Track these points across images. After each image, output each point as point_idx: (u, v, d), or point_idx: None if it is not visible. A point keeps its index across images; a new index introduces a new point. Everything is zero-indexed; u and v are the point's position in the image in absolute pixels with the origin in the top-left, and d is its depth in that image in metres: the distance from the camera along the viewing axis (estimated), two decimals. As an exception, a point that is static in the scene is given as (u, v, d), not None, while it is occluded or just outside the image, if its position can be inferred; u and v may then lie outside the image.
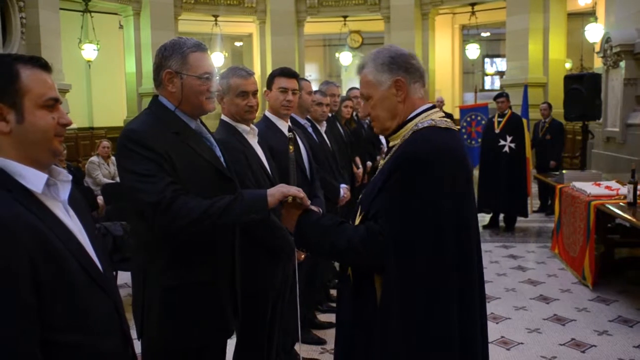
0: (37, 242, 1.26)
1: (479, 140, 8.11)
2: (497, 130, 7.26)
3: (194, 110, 2.09)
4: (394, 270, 1.70)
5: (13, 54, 1.41)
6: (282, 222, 2.03)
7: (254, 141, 2.72)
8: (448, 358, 1.72)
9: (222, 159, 2.17)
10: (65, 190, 1.42)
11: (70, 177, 1.44)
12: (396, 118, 1.87)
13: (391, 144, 1.90)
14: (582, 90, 7.59)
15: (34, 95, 1.35)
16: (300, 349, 3.45)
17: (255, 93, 2.68)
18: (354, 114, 5.98)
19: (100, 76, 14.25)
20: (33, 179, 1.33)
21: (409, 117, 1.86)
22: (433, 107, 1.91)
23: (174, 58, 2.01)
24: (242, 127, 2.68)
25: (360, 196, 1.96)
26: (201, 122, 2.18)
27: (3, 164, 1.32)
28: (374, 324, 1.76)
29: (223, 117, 2.72)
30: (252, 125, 2.72)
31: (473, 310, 1.80)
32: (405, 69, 1.84)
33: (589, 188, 5.26)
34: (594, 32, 11.12)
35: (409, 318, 1.70)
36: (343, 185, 4.06)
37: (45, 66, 1.40)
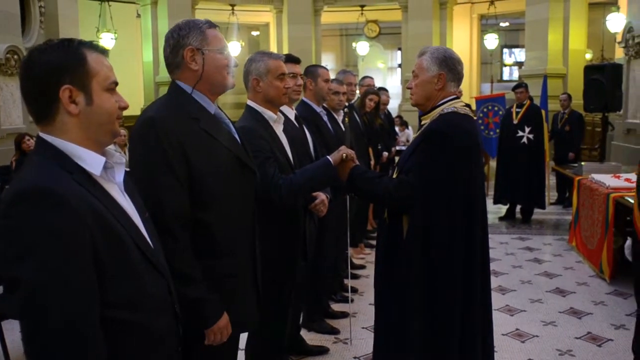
0: (96, 221, 1.30)
1: (497, 130, 8.01)
2: (515, 121, 7.16)
3: (214, 87, 2.00)
4: (419, 210, 2.32)
5: (75, 39, 1.43)
6: (338, 174, 2.50)
7: (279, 129, 2.68)
8: (453, 264, 2.31)
9: (242, 146, 2.10)
10: (120, 172, 1.47)
11: (123, 159, 1.49)
12: (430, 100, 2.46)
13: (423, 122, 2.49)
14: (603, 81, 7.48)
15: (100, 78, 1.39)
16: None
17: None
18: (386, 112, 5.78)
19: (117, 65, 13.60)
20: (92, 162, 1.37)
21: (439, 103, 2.45)
22: (457, 98, 2.47)
23: (192, 35, 1.94)
24: (268, 114, 2.62)
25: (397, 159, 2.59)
26: (219, 108, 2.10)
27: (64, 147, 1.35)
28: (400, 247, 2.39)
29: (249, 102, 2.65)
30: (279, 114, 2.68)
31: (476, 241, 2.39)
32: (450, 69, 2.43)
33: (608, 180, 5.19)
34: (616, 22, 10.89)
35: (426, 242, 2.31)
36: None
37: (104, 51, 1.44)
